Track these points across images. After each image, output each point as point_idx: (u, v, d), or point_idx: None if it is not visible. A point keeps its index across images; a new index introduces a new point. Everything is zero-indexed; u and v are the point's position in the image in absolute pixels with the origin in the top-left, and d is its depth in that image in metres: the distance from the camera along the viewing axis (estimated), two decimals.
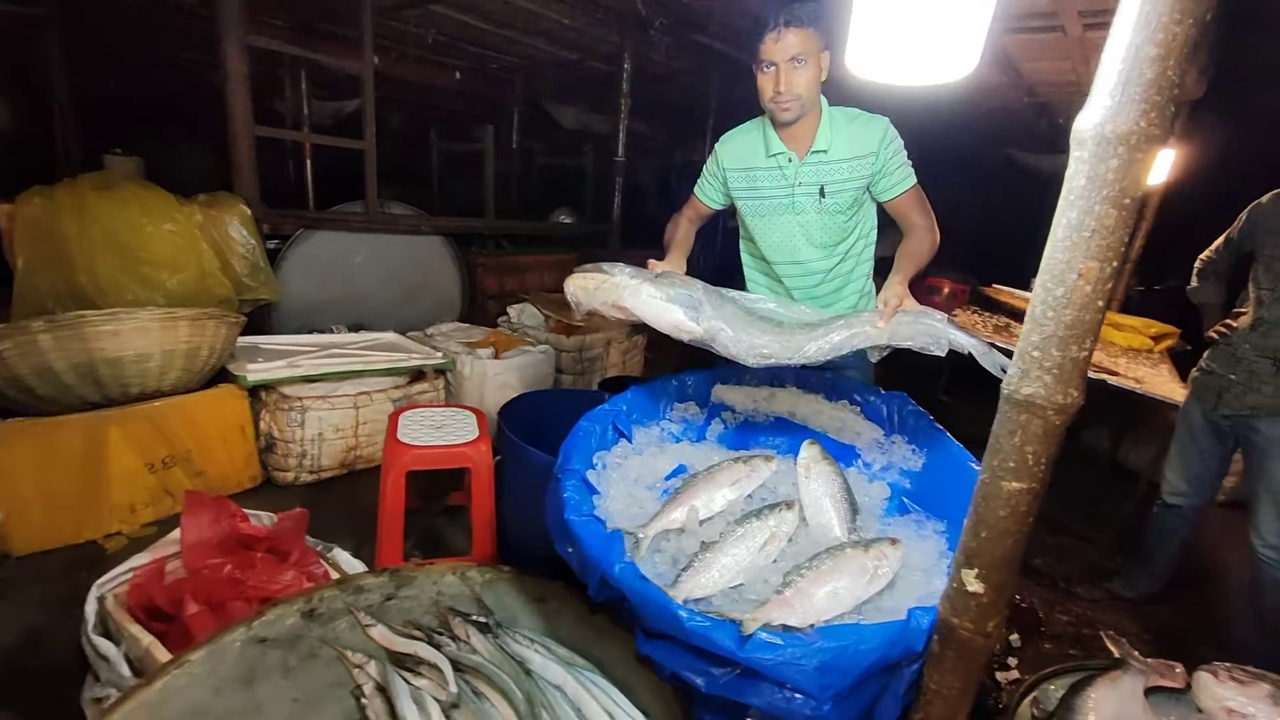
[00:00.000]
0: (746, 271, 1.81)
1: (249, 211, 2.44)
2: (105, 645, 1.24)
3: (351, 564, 1.60)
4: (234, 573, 1.31)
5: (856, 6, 0.82)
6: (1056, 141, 5.93)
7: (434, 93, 5.87)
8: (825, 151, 1.52)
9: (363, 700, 0.96)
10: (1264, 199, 2.00)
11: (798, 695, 0.89)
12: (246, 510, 1.64)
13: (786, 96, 1.42)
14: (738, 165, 1.63)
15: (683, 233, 1.74)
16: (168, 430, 2.00)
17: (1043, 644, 2.16)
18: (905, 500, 1.35)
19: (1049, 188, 0.75)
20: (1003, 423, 0.81)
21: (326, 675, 1.02)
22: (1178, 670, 1.34)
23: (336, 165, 3.82)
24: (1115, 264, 0.72)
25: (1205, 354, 2.12)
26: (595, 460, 1.42)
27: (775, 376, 1.66)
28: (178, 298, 2.19)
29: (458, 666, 0.99)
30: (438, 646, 1.03)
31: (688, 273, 1.70)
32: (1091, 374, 2.73)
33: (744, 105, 1.75)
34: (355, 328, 3.04)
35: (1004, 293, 4.06)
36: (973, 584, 0.85)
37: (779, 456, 1.42)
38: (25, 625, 1.60)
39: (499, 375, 2.82)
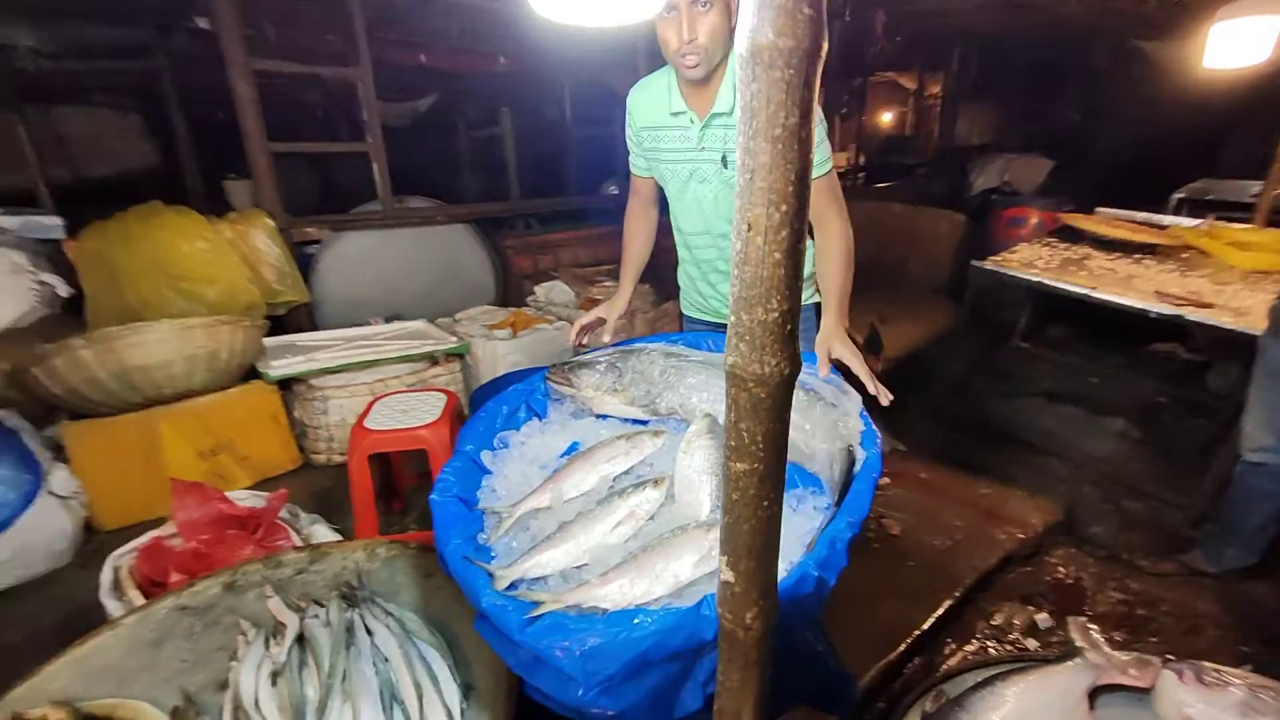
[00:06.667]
0: (676, 238, 1.71)
1: (272, 223, 2.72)
2: (112, 605, 1.50)
3: (324, 536, 1.79)
4: (199, 548, 1.52)
5: None
6: (1175, 24, 4.87)
7: (490, 79, 6.02)
8: (728, 114, 1.35)
9: (231, 663, 1.10)
10: None
11: (571, 680, 0.87)
12: (247, 492, 1.90)
13: (691, 48, 1.26)
14: (647, 124, 1.53)
15: (634, 239, 1.67)
16: (210, 423, 2.33)
17: None
18: (799, 475, 1.24)
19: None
20: (725, 398, 0.72)
21: (219, 640, 1.16)
22: (1154, 667, 1.13)
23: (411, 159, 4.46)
24: (786, 208, 0.60)
25: None
26: (498, 441, 1.45)
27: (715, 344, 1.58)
28: (216, 306, 2.51)
29: (302, 637, 1.09)
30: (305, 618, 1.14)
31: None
32: (1169, 308, 2.28)
33: None
34: (392, 318, 3.29)
35: (1093, 220, 3.45)
36: (725, 572, 0.78)
37: (672, 431, 1.36)
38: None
39: (509, 355, 2.93)
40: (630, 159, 1.62)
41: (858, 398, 1.22)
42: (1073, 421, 2.99)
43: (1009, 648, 1.78)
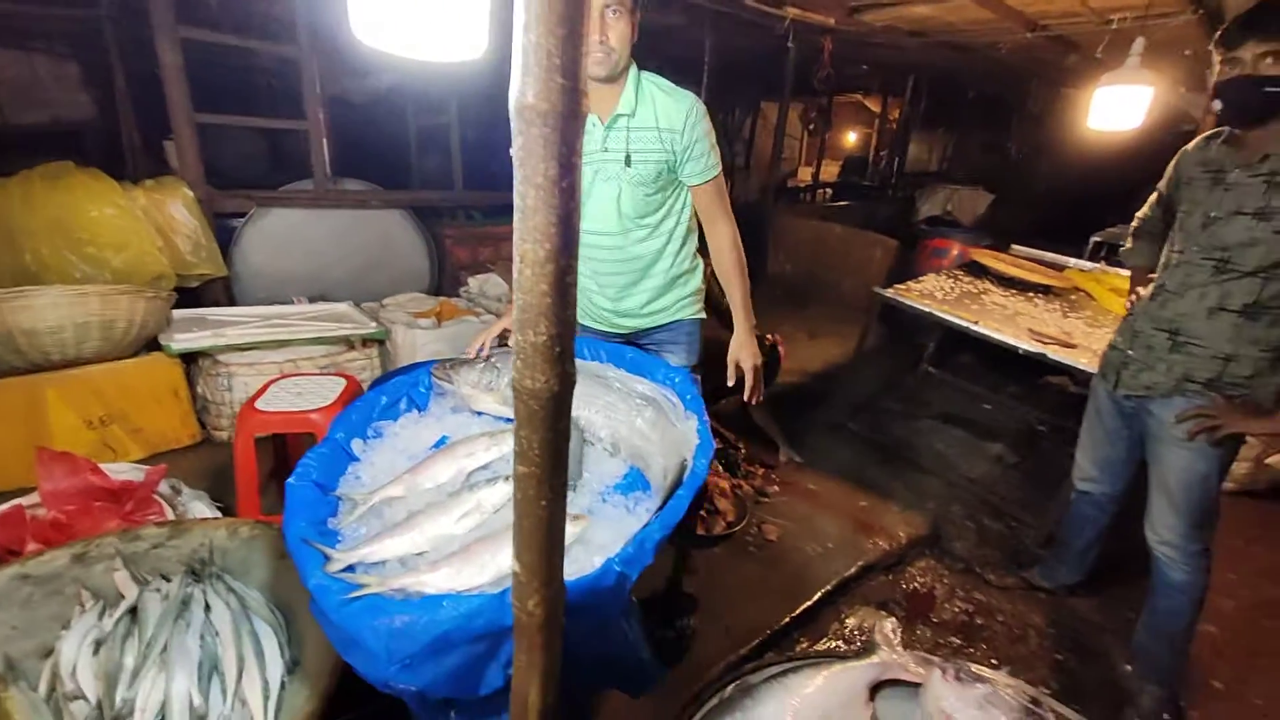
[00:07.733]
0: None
1: (191, 194, 2.67)
2: None
3: (203, 513, 1.80)
4: (60, 518, 1.52)
5: None
6: (1095, 78, 5.29)
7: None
8: (630, 115, 1.49)
9: (60, 631, 1.12)
10: (1189, 145, 1.72)
11: (377, 657, 0.94)
12: (128, 465, 1.88)
13: (601, 49, 1.39)
14: None
15: None
16: (103, 392, 2.29)
17: (923, 630, 2.06)
18: (641, 481, 1.34)
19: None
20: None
21: (55, 610, 1.18)
22: (933, 665, 1.27)
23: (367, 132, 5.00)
24: (550, 246, 0.69)
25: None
26: (371, 430, 1.50)
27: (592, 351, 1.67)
28: (121, 274, 2.46)
29: (136, 609, 1.13)
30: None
31: None
32: (1036, 346, 2.48)
33: None
34: (317, 299, 3.26)
35: (996, 257, 3.70)
36: (514, 563, 0.86)
37: None
38: None
39: (429, 344, 2.95)
40: None
41: (695, 418, 1.33)
42: (958, 444, 3.21)
43: (854, 646, 1.94)
